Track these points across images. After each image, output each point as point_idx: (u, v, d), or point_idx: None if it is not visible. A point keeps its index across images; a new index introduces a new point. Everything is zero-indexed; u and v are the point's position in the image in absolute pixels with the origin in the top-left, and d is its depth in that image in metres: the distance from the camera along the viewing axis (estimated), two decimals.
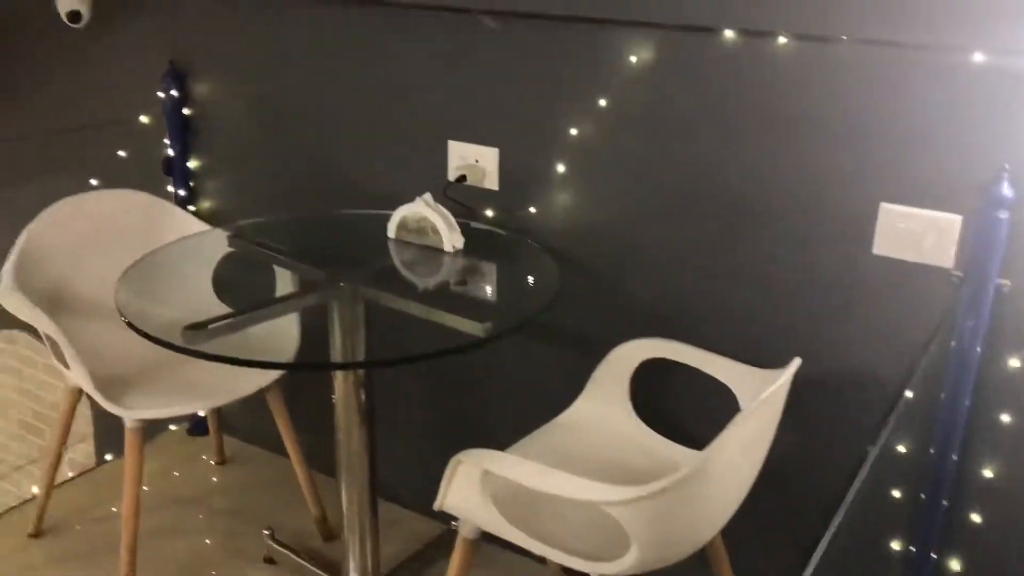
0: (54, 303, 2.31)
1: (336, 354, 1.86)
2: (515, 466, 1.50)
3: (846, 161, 1.70)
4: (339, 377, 1.94)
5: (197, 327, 1.67)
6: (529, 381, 2.22)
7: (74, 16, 2.64)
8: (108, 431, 2.94)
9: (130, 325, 1.72)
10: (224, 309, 2.28)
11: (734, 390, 1.82)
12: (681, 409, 2.01)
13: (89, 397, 2.20)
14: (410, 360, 1.73)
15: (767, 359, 1.82)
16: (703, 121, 1.83)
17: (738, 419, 1.47)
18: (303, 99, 2.41)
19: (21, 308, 2.07)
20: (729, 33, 1.76)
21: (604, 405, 1.97)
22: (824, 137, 1.71)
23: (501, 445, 1.85)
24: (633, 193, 1.95)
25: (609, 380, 1.96)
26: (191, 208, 2.67)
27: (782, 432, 1.67)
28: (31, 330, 3.26)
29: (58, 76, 2.90)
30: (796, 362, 1.61)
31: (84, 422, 3.11)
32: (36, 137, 2.81)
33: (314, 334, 2.00)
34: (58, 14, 2.66)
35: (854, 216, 1.72)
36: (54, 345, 2.13)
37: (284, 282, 2.15)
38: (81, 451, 3.20)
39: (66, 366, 2.11)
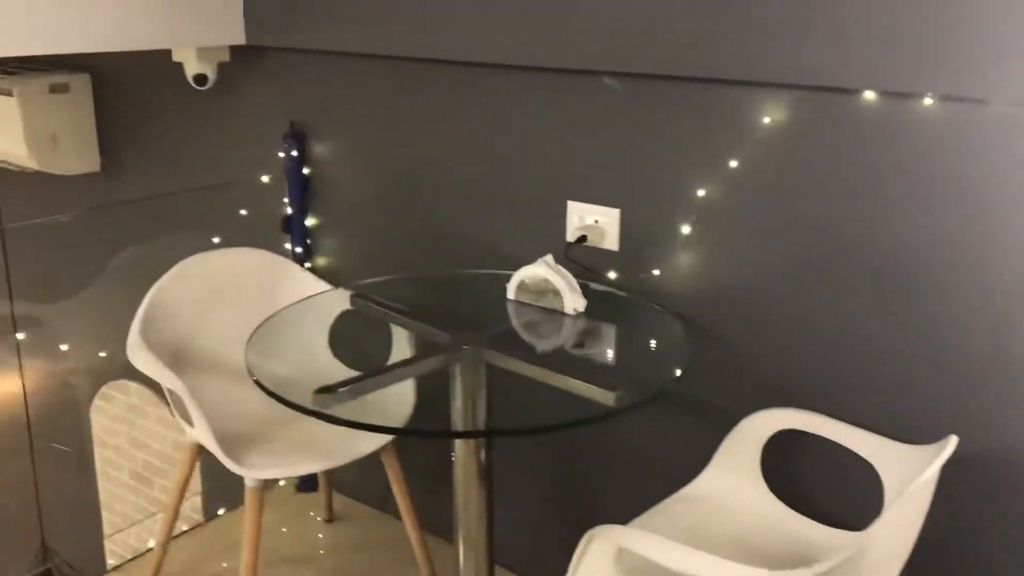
0: (176, 359, 2.35)
1: (457, 418, 1.83)
2: (655, 545, 1.43)
3: (999, 228, 1.61)
4: (459, 441, 1.91)
5: (327, 391, 1.67)
6: (651, 450, 2.15)
7: (200, 79, 2.73)
8: (218, 485, 2.97)
9: (262, 387, 1.73)
10: (340, 367, 2.29)
11: (876, 466, 1.73)
12: (816, 484, 1.91)
13: (200, 451, 2.23)
14: (540, 431, 1.69)
15: (911, 434, 1.72)
16: (842, 184, 1.77)
17: (900, 499, 1.38)
18: (420, 159, 2.43)
19: (148, 364, 2.10)
20: (870, 95, 1.70)
21: (733, 478, 1.89)
22: (976, 202, 1.63)
23: (622, 516, 1.79)
24: (765, 256, 1.89)
25: (738, 451, 1.88)
26: (307, 265, 2.71)
27: (929, 515, 1.57)
28: (144, 380, 3.34)
29: (185, 137, 3.00)
30: (953, 440, 1.51)
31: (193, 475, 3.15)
32: (163, 196, 2.90)
33: (428, 392, 1.98)
34: (186, 77, 2.76)
35: (1012, 285, 1.62)
36: (177, 401, 2.15)
37: (401, 342, 2.15)
38: (189, 503, 3.24)
39: (189, 423, 2.13)
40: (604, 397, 1.63)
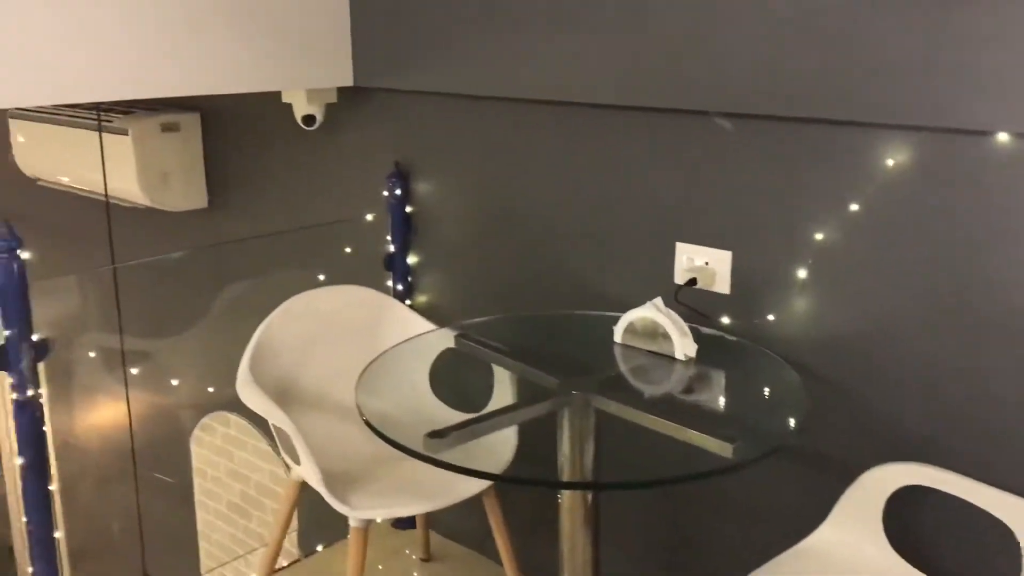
0: (281, 395, 2.38)
1: (565, 466, 1.80)
2: None
3: None
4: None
5: (438, 435, 1.65)
6: (765, 501, 2.08)
7: (309, 120, 2.79)
8: (315, 521, 2.98)
9: (373, 429, 1.72)
10: (441, 408, 2.29)
11: (1011, 526, 1.63)
12: (944, 544, 1.81)
13: (303, 487, 2.24)
14: (656, 484, 1.65)
15: None
16: (970, 228, 1.69)
17: None
18: (523, 198, 2.43)
19: (258, 401, 2.13)
20: (1003, 136, 1.63)
21: (853, 533, 1.80)
22: None
23: (734, 570, 1.73)
24: (888, 303, 1.82)
25: (859, 506, 1.80)
26: (407, 302, 2.73)
27: None
28: (243, 412, 3.40)
29: (291, 176, 3.06)
30: None
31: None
32: (272, 235, 2.96)
33: (529, 433, 1.96)
34: (294, 117, 2.82)
35: None
36: (284, 439, 2.17)
37: (503, 384, 2.13)
38: (287, 539, 3.27)
39: (295, 460, 2.15)
40: (721, 449, 1.57)
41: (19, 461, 2.09)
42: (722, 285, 2.05)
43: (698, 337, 1.97)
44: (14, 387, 2.05)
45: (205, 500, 3.73)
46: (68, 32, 2.15)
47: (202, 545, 3.77)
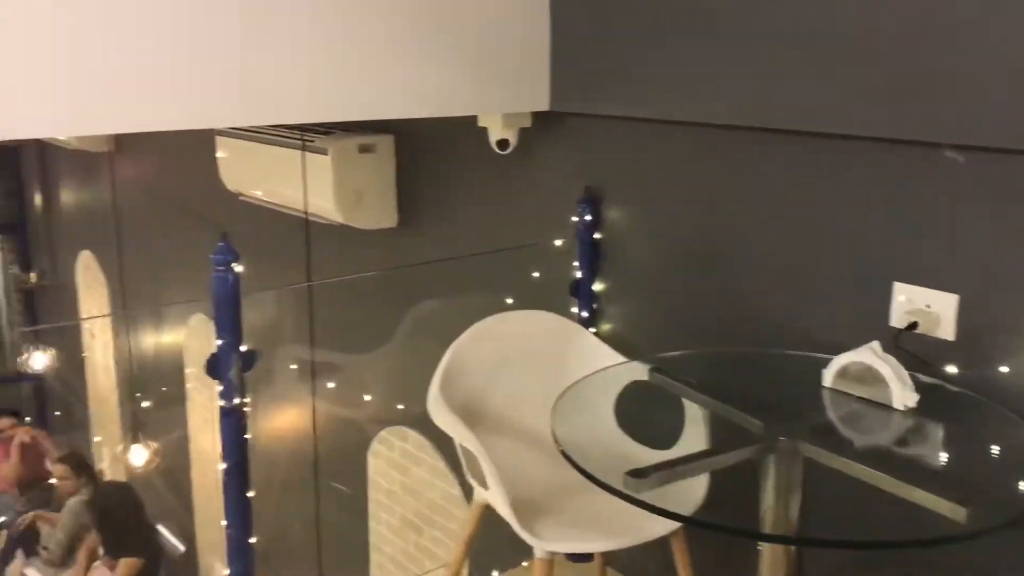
0: (467, 417, 2.37)
1: (767, 516, 1.69)
2: None
3: None
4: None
5: (639, 474, 1.59)
6: (993, 571, 1.89)
7: (503, 144, 2.80)
8: (487, 546, 2.97)
9: (572, 463, 1.68)
10: (627, 441, 2.22)
11: None
12: None
13: (485, 511, 2.22)
14: (873, 546, 1.52)
15: None
16: None
17: None
18: (720, 229, 2.34)
19: (448, 423, 2.13)
20: None
21: None
22: None
23: None
24: None
25: None
26: (591, 330, 2.68)
27: None
28: (421, 429, 3.45)
29: (481, 198, 3.09)
30: None
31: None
32: (462, 257, 2.98)
33: (721, 477, 1.86)
34: (487, 141, 2.84)
35: None
36: (471, 461, 2.17)
37: (695, 423, 2.05)
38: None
39: (482, 484, 2.14)
40: (953, 512, 1.43)
41: (222, 466, 2.17)
42: (946, 331, 1.89)
43: (917, 386, 1.83)
44: (222, 394, 2.14)
45: (379, 512, 3.80)
46: (278, 58, 2.23)
47: (373, 557, 3.85)
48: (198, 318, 5.03)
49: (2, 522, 6.33)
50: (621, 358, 2.39)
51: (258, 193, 3.93)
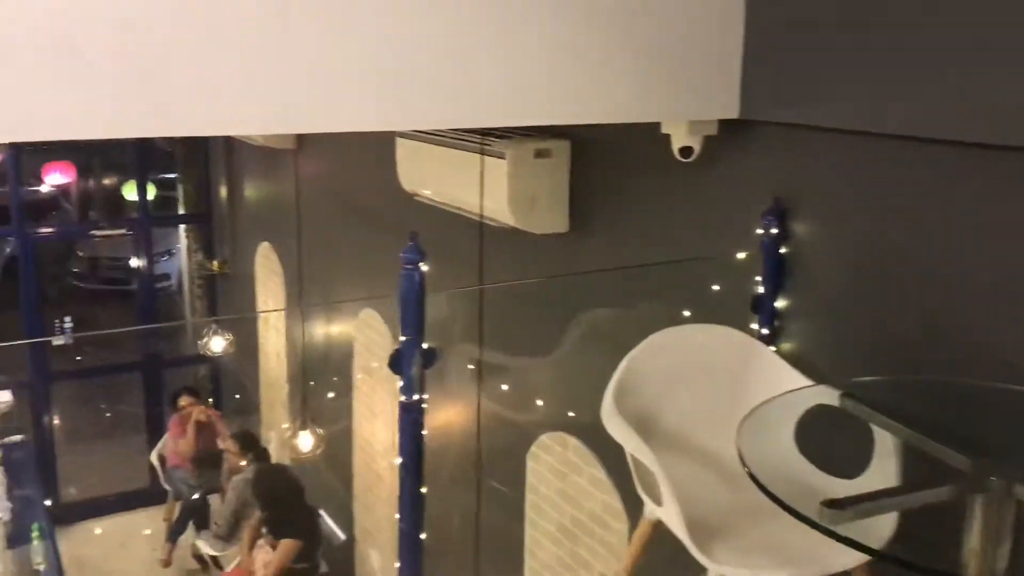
0: (640, 431, 2.33)
1: (970, 561, 1.57)
2: None
3: None
4: None
5: (837, 506, 1.50)
6: None
7: (685, 151, 2.74)
8: (647, 563, 2.91)
9: (761, 487, 1.61)
10: (808, 467, 2.12)
11: None
12: None
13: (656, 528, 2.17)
14: None
15: None
16: None
17: None
18: (921, 251, 2.20)
19: (623, 434, 2.10)
20: None
21: None
22: None
23: None
24: None
25: None
26: (772, 348, 2.58)
27: None
28: (582, 436, 3.42)
29: (658, 207, 3.04)
30: None
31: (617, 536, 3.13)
32: (638, 266, 2.94)
33: (911, 512, 1.73)
34: (669, 149, 2.79)
35: None
36: (643, 475, 2.12)
37: (887, 454, 1.93)
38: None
39: (655, 500, 2.09)
40: None
41: (397, 461, 2.22)
42: None
43: None
44: (402, 390, 2.18)
45: (535, 517, 3.80)
46: (459, 62, 2.23)
47: (528, 562, 3.85)
48: (367, 312, 5.19)
49: (178, 494, 6.74)
50: (805, 380, 2.29)
51: (433, 194, 4.01)
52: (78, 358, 8.36)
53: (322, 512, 5.88)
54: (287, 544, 5.31)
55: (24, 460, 6.45)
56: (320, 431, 5.10)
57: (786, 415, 2.15)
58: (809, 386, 2.18)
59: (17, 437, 6.65)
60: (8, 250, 12.29)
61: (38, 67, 1.77)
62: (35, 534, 5.54)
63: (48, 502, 6.13)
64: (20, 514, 5.56)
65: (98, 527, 7.15)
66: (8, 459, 5.91)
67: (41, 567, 5.42)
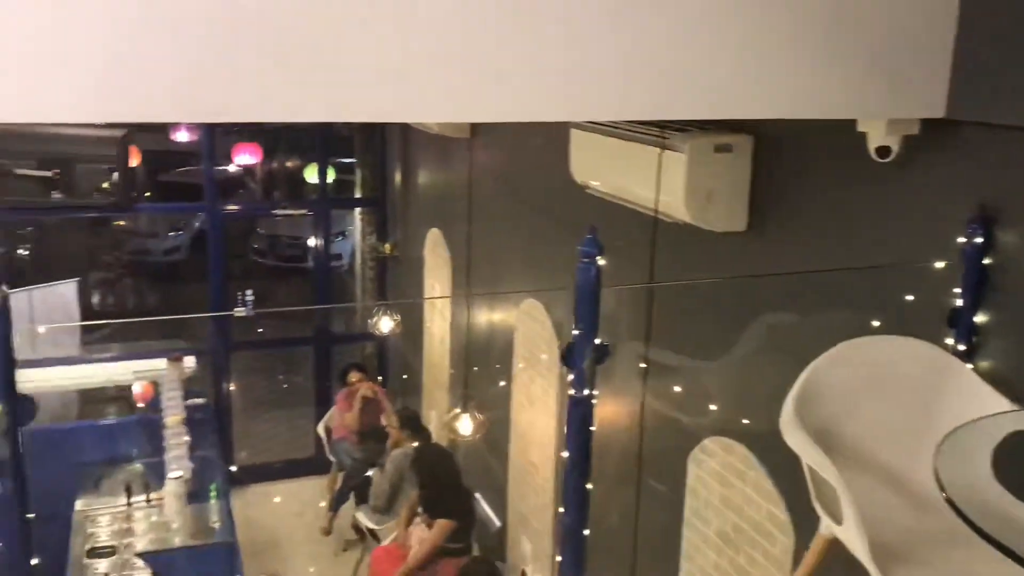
0: (820, 444, 2.22)
1: None
2: None
3: None
4: None
5: None
6: None
7: (883, 151, 2.58)
8: None
9: (961, 515, 1.49)
10: (1009, 499, 1.95)
11: None
12: None
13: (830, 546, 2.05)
14: None
15: None
16: None
17: None
18: None
19: (804, 446, 2.00)
20: None
21: None
22: None
23: None
24: None
25: None
26: (969, 366, 2.39)
27: None
28: (749, 442, 3.30)
29: (847, 209, 2.88)
30: None
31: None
32: (828, 270, 2.80)
33: None
34: (865, 148, 2.63)
35: None
36: (821, 490, 2.02)
37: None
38: None
39: (834, 518, 1.98)
40: None
41: (565, 454, 2.20)
42: None
43: None
44: (573, 384, 2.16)
45: (694, 521, 3.71)
46: (643, 53, 2.17)
47: (684, 565, 3.77)
48: (530, 302, 5.22)
49: (341, 466, 7.01)
50: (1006, 402, 2.11)
51: (605, 186, 3.96)
52: (259, 330, 8.82)
53: (477, 495, 5.97)
54: (443, 524, 5.42)
55: (205, 422, 6.88)
56: (480, 416, 5.17)
57: (985, 439, 1.98)
58: (1013, 411, 2.01)
59: (200, 400, 7.10)
60: (197, 224, 13.18)
61: (241, 52, 1.85)
62: (213, 493, 5.90)
63: (231, 466, 6.51)
64: (199, 473, 5.93)
65: (267, 491, 7.55)
66: (191, 419, 6.31)
67: (216, 525, 5.77)
